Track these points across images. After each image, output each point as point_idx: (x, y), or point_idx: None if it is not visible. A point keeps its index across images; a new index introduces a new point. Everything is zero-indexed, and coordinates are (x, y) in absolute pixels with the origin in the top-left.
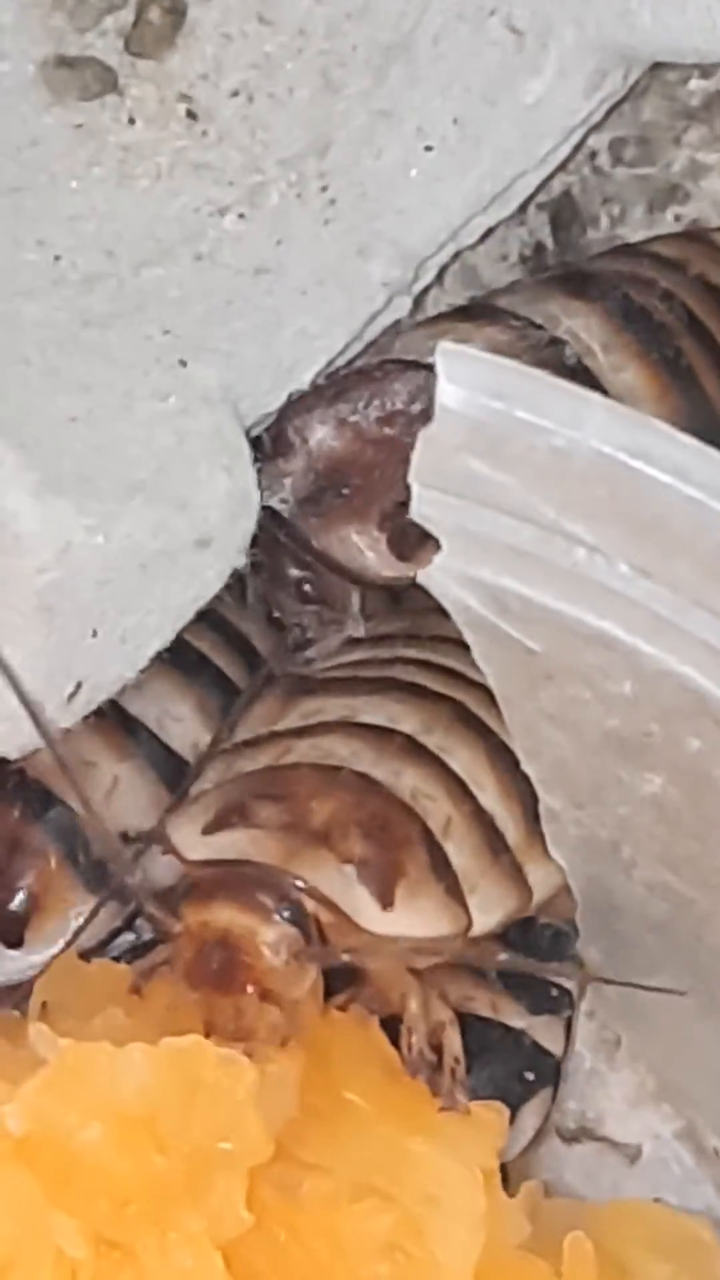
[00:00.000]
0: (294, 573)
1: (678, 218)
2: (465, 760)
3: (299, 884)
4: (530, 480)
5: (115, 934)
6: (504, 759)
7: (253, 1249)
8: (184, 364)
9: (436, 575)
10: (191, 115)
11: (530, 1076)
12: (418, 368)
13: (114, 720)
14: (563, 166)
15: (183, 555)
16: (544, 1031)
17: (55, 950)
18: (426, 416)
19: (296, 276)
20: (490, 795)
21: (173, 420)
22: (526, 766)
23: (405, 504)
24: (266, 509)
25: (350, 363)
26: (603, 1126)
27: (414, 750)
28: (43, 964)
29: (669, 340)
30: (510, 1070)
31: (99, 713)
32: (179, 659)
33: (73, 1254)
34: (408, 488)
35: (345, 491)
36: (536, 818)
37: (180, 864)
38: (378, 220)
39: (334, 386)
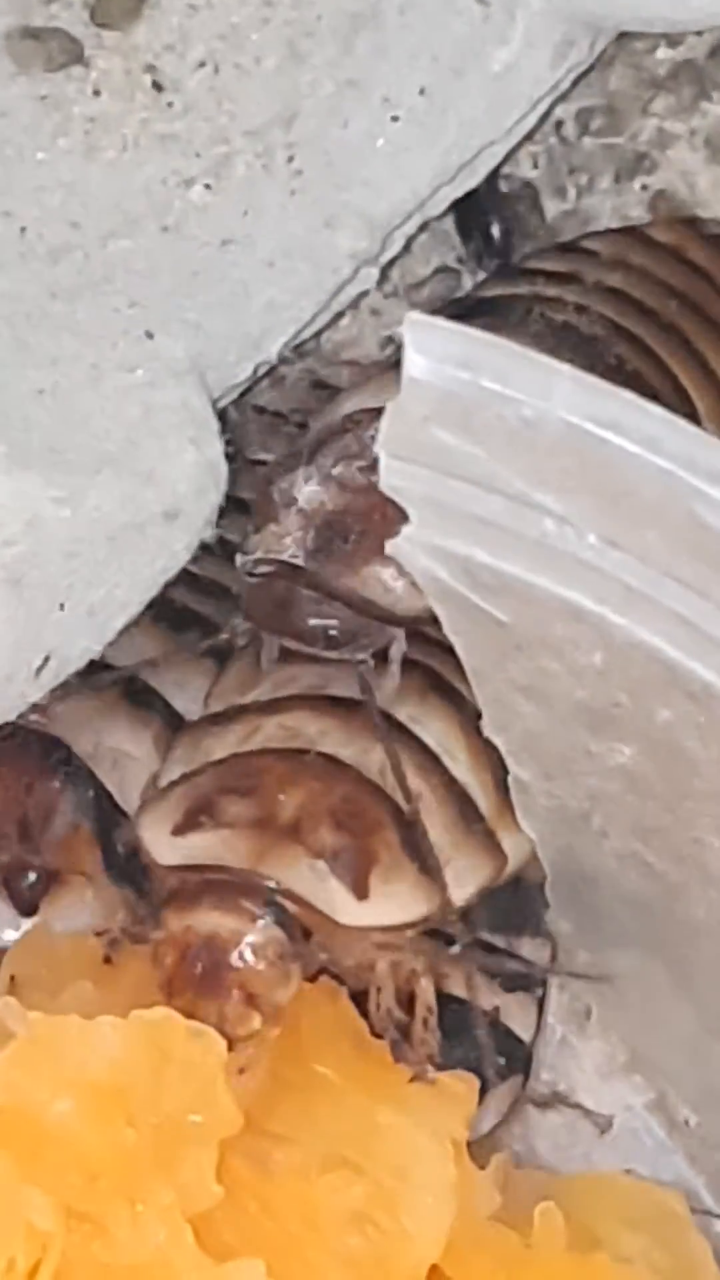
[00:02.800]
0: (314, 623)
1: (644, 187)
2: (438, 731)
3: (272, 885)
4: (499, 451)
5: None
6: (476, 726)
7: (223, 1221)
8: (151, 336)
9: (405, 546)
10: (157, 86)
11: (501, 1061)
12: (377, 410)
13: (155, 714)
14: (530, 136)
15: (151, 528)
16: (516, 1011)
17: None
18: None
19: (263, 248)
20: (462, 766)
21: (140, 392)
22: (496, 738)
23: None
24: (277, 565)
25: (318, 335)
26: (574, 1097)
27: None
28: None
29: (607, 350)
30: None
31: (137, 703)
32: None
33: (43, 1227)
34: None
35: (351, 538)
36: (506, 787)
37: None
38: (345, 191)
39: (309, 444)
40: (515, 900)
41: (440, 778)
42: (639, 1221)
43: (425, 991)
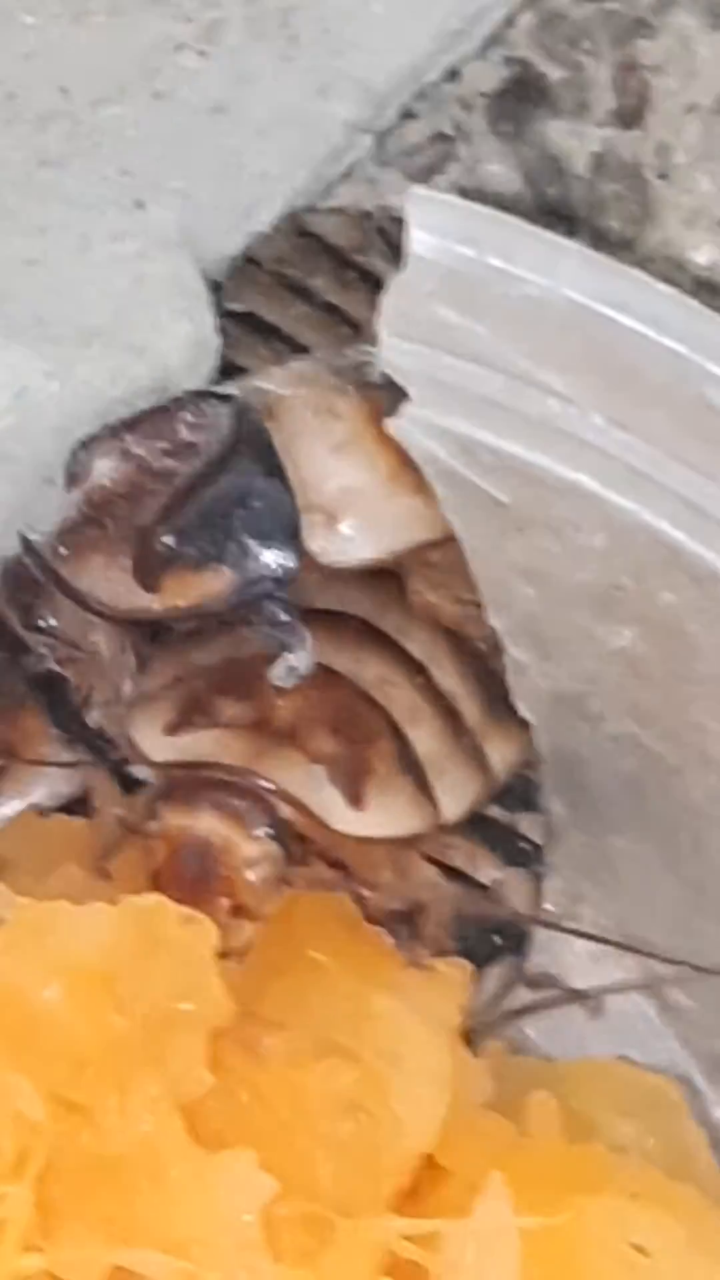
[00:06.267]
0: (26, 598)
1: (643, 53)
2: (423, 640)
3: (267, 785)
4: (502, 329)
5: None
6: (460, 635)
7: (213, 1109)
8: (141, 205)
9: (404, 425)
10: None
11: (498, 940)
12: (209, 397)
13: None
14: (530, 2)
15: (141, 402)
16: (516, 887)
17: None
18: (213, 449)
19: (256, 116)
20: (449, 675)
21: (130, 263)
22: (494, 619)
23: (153, 527)
24: (24, 542)
25: (311, 204)
26: (566, 981)
27: (370, 635)
28: (12, 816)
29: None
30: (479, 931)
31: None
32: None
33: (31, 1116)
34: (161, 511)
35: (106, 522)
36: (492, 695)
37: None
38: (340, 58)
39: (128, 419)
40: (514, 778)
41: (431, 689)
42: (633, 1109)
43: (441, 900)
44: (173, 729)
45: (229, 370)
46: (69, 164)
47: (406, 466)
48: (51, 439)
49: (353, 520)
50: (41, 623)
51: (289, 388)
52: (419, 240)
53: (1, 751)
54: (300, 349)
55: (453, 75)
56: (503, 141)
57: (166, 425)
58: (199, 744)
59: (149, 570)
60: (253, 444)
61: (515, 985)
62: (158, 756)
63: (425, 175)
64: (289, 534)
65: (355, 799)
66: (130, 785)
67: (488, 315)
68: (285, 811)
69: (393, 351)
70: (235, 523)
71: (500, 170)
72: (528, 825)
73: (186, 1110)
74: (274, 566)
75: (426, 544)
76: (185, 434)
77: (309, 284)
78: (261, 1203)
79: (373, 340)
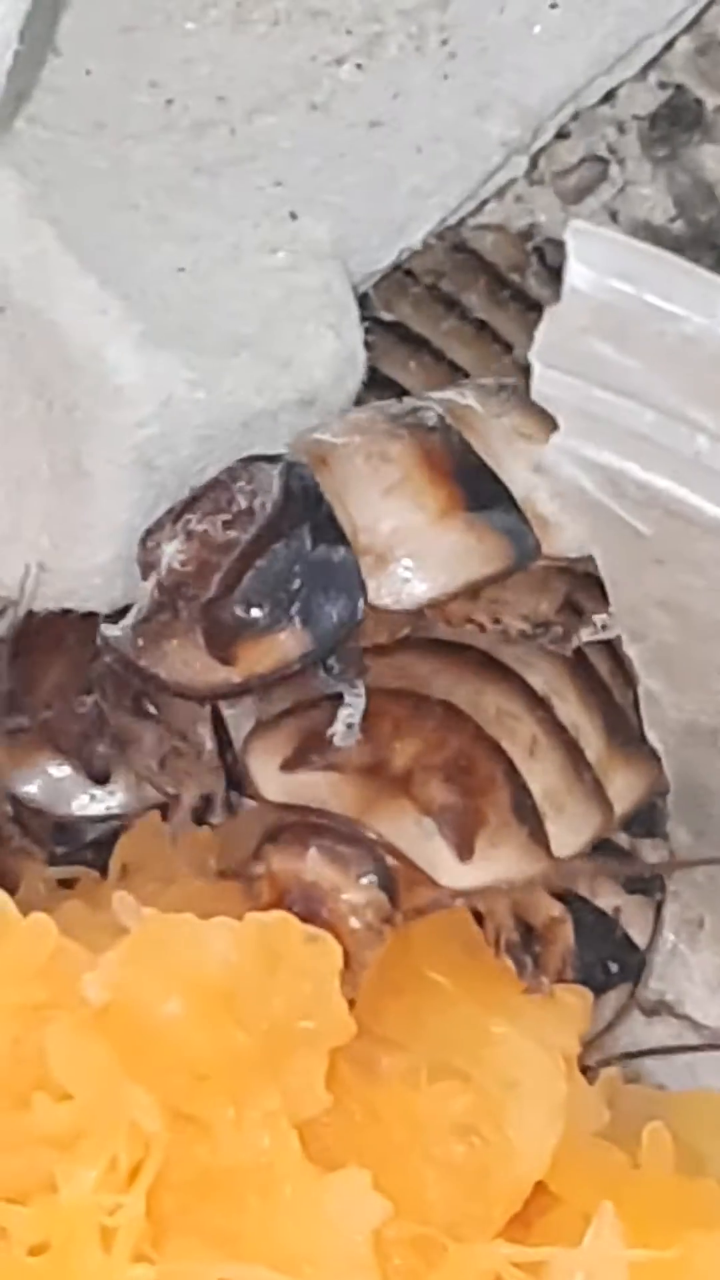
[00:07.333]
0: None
1: None
2: (546, 672)
3: (374, 837)
4: (656, 365)
5: (207, 801)
6: (582, 667)
7: (327, 1127)
8: (294, 217)
9: (551, 455)
10: None
11: (615, 968)
12: (261, 460)
13: None
14: (689, 28)
15: (285, 414)
16: (635, 915)
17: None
18: (266, 513)
19: (412, 132)
20: (573, 707)
21: (281, 275)
22: (629, 648)
23: (218, 599)
24: (103, 639)
25: (462, 221)
26: (681, 1009)
27: (491, 665)
28: (121, 808)
29: None
30: (597, 958)
31: None
32: None
33: (148, 1127)
34: (224, 582)
35: (179, 605)
36: (615, 729)
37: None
38: (497, 77)
39: (187, 499)
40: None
41: (552, 722)
42: None
43: (565, 935)
44: (289, 765)
45: (375, 381)
46: (223, 173)
47: (458, 506)
48: (193, 447)
49: (408, 560)
50: (147, 705)
51: (344, 436)
52: (578, 274)
53: (114, 743)
54: (448, 363)
55: (608, 97)
56: (656, 165)
57: (225, 496)
58: (313, 787)
59: (221, 643)
60: (302, 500)
61: (630, 1012)
62: (272, 795)
63: (576, 196)
64: (352, 582)
65: (464, 851)
66: None
67: (642, 351)
68: (391, 862)
69: (544, 382)
70: (296, 581)
71: (652, 194)
72: (650, 852)
73: (301, 1127)
74: (343, 616)
75: (484, 580)
76: (242, 502)
77: (462, 299)
78: (374, 1224)
79: (521, 361)
